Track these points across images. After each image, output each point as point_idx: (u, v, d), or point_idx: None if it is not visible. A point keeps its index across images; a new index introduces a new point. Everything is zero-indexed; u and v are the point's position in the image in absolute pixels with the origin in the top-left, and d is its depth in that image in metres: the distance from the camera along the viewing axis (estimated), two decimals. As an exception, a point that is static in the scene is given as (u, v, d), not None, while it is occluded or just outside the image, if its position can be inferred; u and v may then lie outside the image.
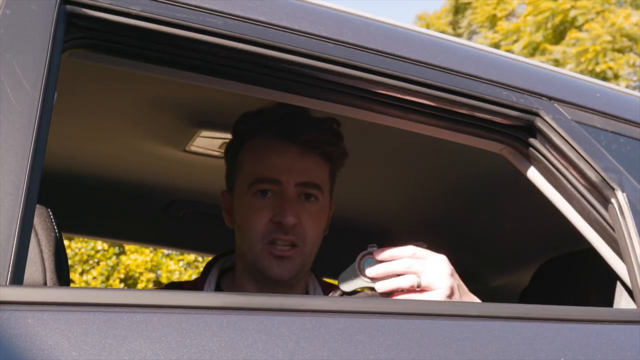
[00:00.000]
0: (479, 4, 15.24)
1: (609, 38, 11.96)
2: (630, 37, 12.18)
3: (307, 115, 1.72)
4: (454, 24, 16.79)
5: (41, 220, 1.18)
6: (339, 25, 1.39)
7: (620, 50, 12.12)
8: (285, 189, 1.69)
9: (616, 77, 12.01)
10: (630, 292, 1.42)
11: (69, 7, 1.17)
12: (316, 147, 1.72)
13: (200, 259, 9.26)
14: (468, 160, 2.04)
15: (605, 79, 11.86)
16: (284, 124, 1.71)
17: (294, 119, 1.71)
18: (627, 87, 11.81)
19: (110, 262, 9.25)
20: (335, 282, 1.95)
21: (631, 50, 12.25)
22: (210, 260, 1.85)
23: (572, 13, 12.60)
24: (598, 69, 11.86)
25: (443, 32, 14.94)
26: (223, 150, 2.15)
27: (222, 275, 1.81)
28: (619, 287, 1.45)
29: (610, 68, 11.92)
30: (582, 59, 11.93)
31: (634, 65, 12.19)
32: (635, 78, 12.56)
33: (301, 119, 1.71)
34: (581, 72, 11.68)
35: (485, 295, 2.66)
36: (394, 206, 2.51)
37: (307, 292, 1.79)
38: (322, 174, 1.75)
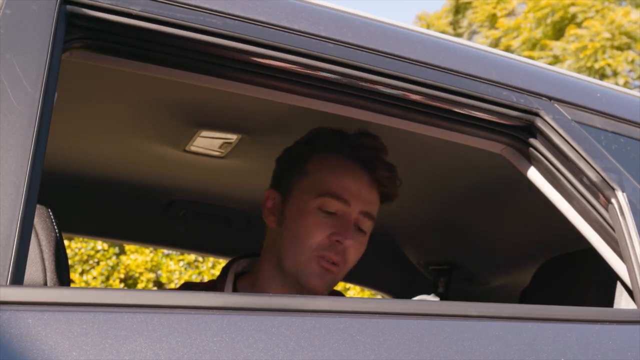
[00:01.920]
0: (478, 3, 15.24)
1: (608, 35, 11.96)
2: (629, 35, 12.18)
3: (386, 153, 1.81)
4: (455, 24, 16.77)
5: (41, 220, 1.18)
6: (339, 25, 1.39)
7: (619, 48, 12.12)
8: (351, 212, 1.76)
9: (615, 74, 12.01)
10: (630, 292, 1.41)
11: (69, 7, 1.17)
12: (383, 186, 1.81)
13: (200, 259, 9.25)
14: (468, 161, 2.04)
15: (603, 75, 11.87)
16: (368, 153, 1.79)
17: (378, 153, 1.80)
18: (625, 84, 11.81)
19: (110, 262, 9.23)
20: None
21: (630, 47, 12.25)
22: (226, 265, 1.89)
23: (572, 10, 12.60)
24: (597, 65, 11.86)
25: (443, 32, 14.93)
26: (223, 150, 2.15)
27: (237, 278, 1.84)
28: (619, 287, 1.45)
29: (608, 65, 11.93)
30: (581, 55, 11.94)
31: (632, 62, 12.18)
32: (634, 76, 12.56)
33: (383, 156, 1.81)
34: (580, 69, 11.69)
35: (485, 295, 2.67)
36: (395, 207, 2.50)
37: None
38: (377, 211, 1.83)
